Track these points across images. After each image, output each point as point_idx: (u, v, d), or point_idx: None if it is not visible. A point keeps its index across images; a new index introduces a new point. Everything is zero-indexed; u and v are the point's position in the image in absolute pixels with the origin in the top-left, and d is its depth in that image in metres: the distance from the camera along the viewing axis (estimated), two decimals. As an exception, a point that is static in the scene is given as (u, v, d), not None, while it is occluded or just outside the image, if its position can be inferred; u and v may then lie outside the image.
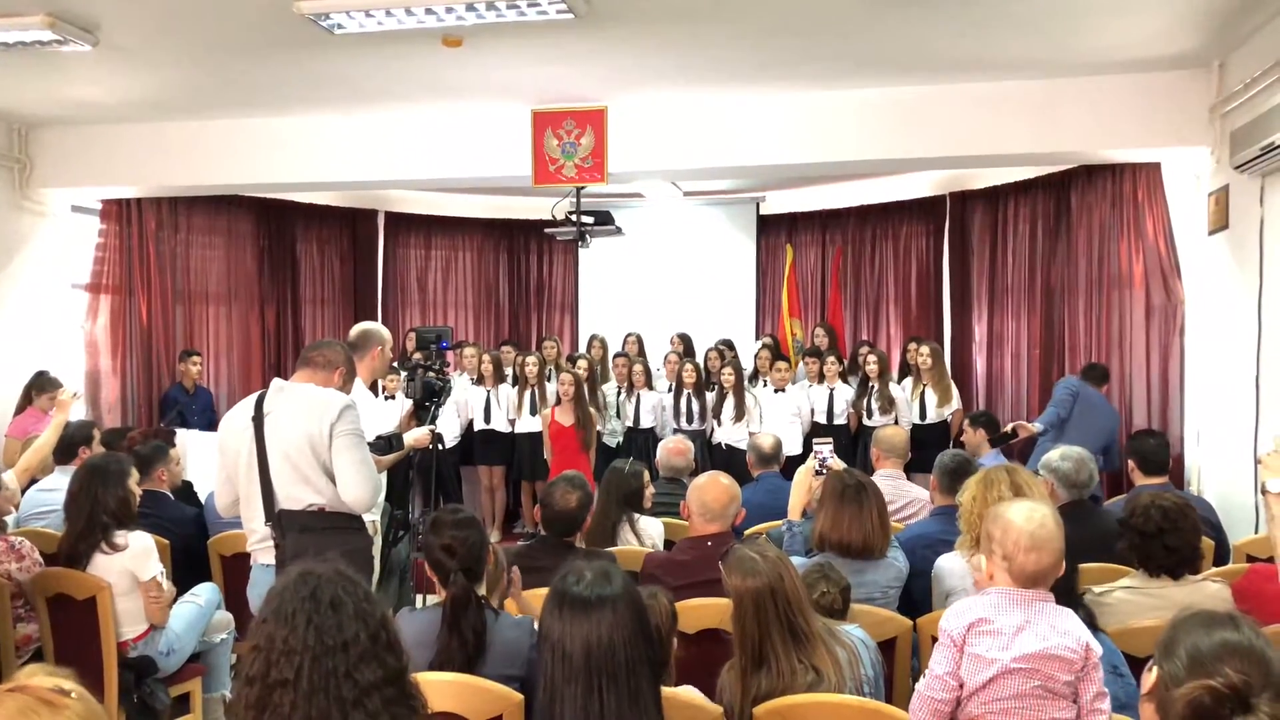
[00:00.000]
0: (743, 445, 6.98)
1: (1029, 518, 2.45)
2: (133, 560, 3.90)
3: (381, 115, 6.83)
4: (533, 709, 2.37)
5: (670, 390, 8.08)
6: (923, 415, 7.51)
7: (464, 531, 2.80)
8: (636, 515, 4.30)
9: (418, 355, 5.33)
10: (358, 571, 1.96)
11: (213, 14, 4.82)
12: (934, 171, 8.78)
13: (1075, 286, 7.45)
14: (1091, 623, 2.72)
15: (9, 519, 4.42)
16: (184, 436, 6.43)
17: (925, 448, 6.43)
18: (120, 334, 8.00)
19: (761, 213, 10.35)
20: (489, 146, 6.79)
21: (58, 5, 4.66)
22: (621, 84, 6.14)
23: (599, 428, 7.60)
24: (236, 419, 3.44)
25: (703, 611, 3.18)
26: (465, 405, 8.10)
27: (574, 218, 7.30)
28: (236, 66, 5.72)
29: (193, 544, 4.71)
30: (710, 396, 7.81)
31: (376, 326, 4.22)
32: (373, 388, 5.95)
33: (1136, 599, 3.14)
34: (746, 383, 7.93)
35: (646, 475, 4.46)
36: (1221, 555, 4.26)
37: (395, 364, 7.78)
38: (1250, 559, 4.02)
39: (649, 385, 8.08)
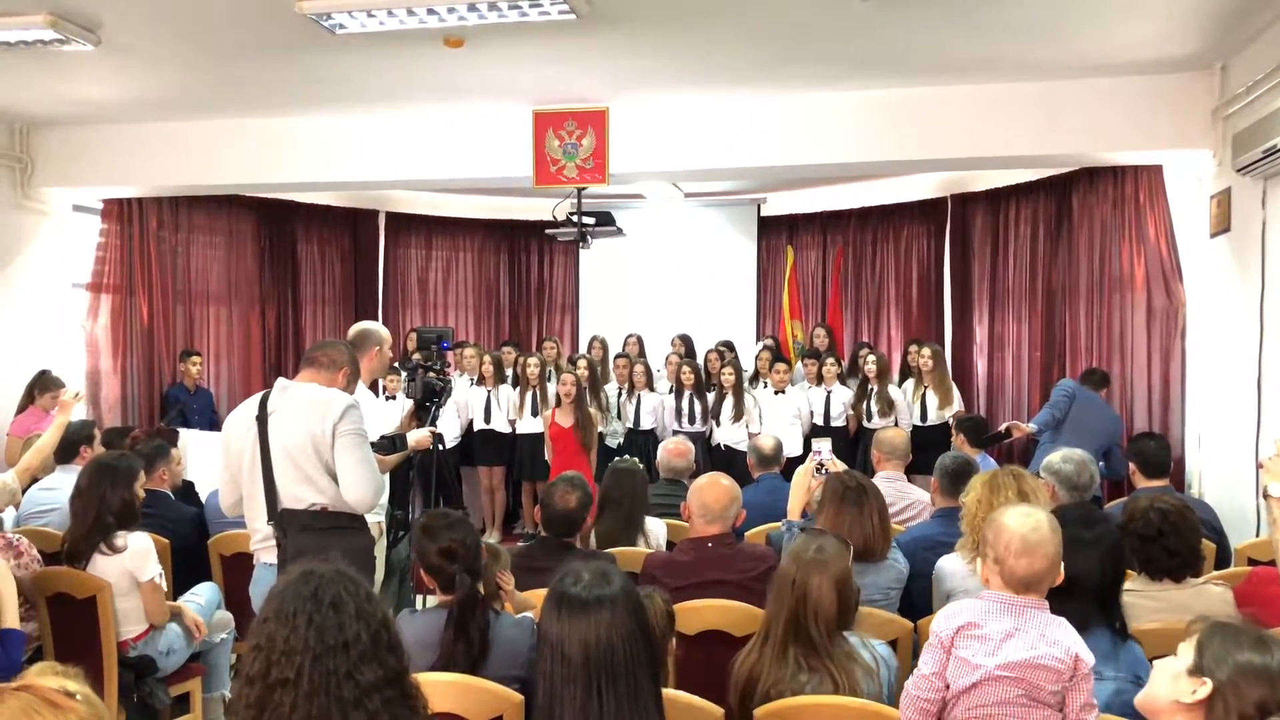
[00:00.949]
0: (743, 446, 6.99)
1: (1022, 522, 2.44)
2: (132, 561, 3.89)
3: (383, 115, 6.84)
4: (532, 709, 2.37)
5: (671, 391, 8.08)
6: (924, 417, 7.51)
7: (459, 533, 2.82)
8: (644, 515, 4.32)
9: (418, 355, 5.31)
10: (359, 571, 1.96)
11: (215, 13, 4.82)
12: (935, 173, 8.77)
13: (1076, 289, 7.45)
14: (1125, 632, 2.69)
15: (9, 517, 4.42)
16: (185, 436, 6.44)
17: (926, 449, 6.42)
18: (121, 333, 8.00)
19: (762, 214, 10.35)
20: (490, 147, 6.79)
21: (59, 4, 4.66)
22: (623, 85, 6.15)
23: (600, 429, 7.60)
24: (240, 418, 3.45)
25: (704, 613, 3.18)
26: (465, 406, 8.10)
27: (575, 218, 7.30)
28: (238, 66, 5.72)
29: (193, 544, 4.71)
30: (710, 397, 7.82)
31: (375, 326, 4.22)
32: (373, 388, 5.96)
33: (1139, 602, 3.13)
34: (746, 384, 7.93)
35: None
36: (1223, 558, 4.25)
37: (396, 364, 7.78)
38: (1252, 562, 4.02)
39: (650, 386, 8.08)
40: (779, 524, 4.12)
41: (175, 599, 4.25)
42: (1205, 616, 1.92)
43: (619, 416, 8.07)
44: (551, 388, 7.89)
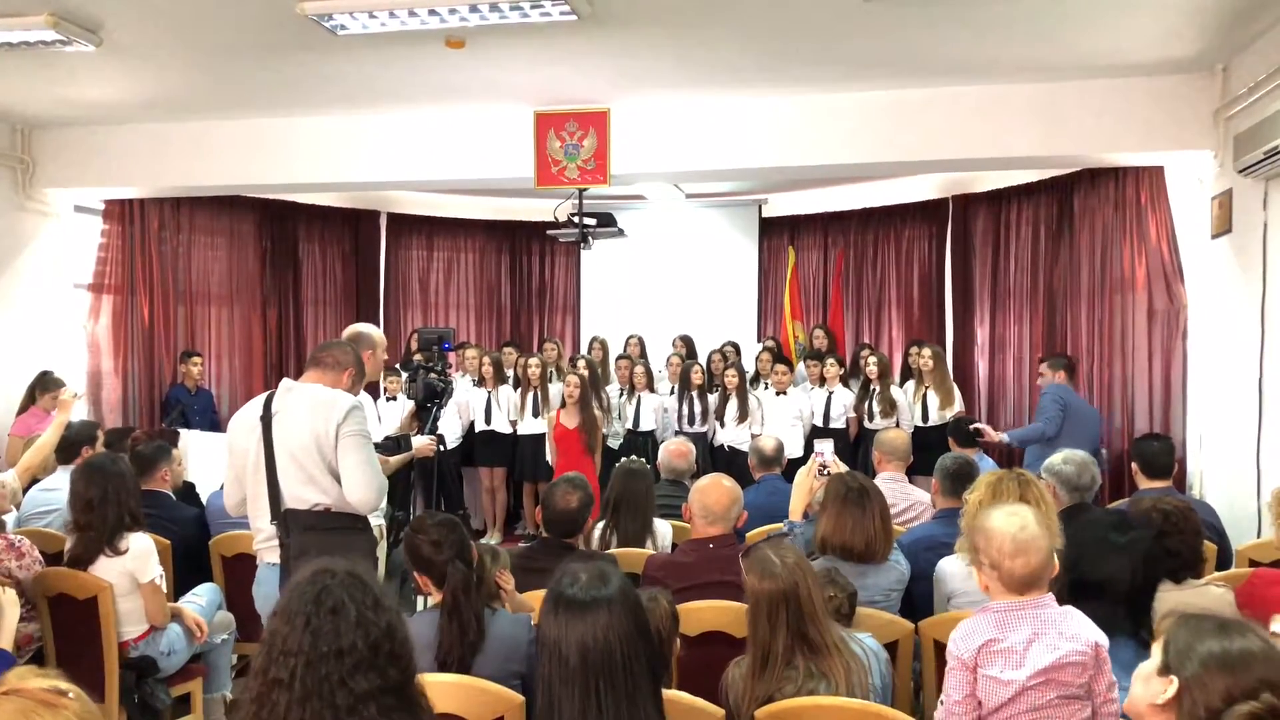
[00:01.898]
0: (744, 447, 6.99)
1: (1009, 522, 2.43)
2: (133, 562, 3.89)
3: (384, 116, 6.84)
4: (532, 710, 2.37)
5: (671, 392, 8.08)
6: (925, 418, 7.51)
7: (445, 527, 2.86)
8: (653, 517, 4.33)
9: (420, 356, 5.32)
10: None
11: (216, 14, 4.83)
12: (937, 174, 8.77)
13: (1078, 290, 7.45)
14: (1148, 644, 2.68)
15: (10, 518, 4.42)
16: (186, 437, 6.45)
17: (927, 450, 6.41)
18: (122, 334, 8.00)
19: (764, 215, 10.35)
20: (491, 148, 6.79)
21: (61, 5, 4.67)
22: (624, 86, 6.15)
23: (603, 430, 7.60)
24: (245, 418, 3.46)
25: (704, 614, 3.18)
26: (467, 406, 8.10)
27: (576, 219, 7.31)
28: (240, 67, 5.73)
29: (194, 544, 4.71)
30: (712, 399, 7.82)
31: (369, 328, 4.21)
32: (372, 390, 5.97)
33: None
34: (749, 385, 7.93)
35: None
36: (1224, 560, 4.25)
37: (397, 365, 7.78)
38: (1253, 563, 4.02)
39: (650, 387, 8.08)
40: (780, 525, 4.12)
41: (176, 600, 4.25)
42: (1175, 612, 1.90)
43: (619, 417, 8.07)
44: (553, 389, 7.89)
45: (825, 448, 4.04)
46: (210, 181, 7.29)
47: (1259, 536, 4.72)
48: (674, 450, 5.26)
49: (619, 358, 8.46)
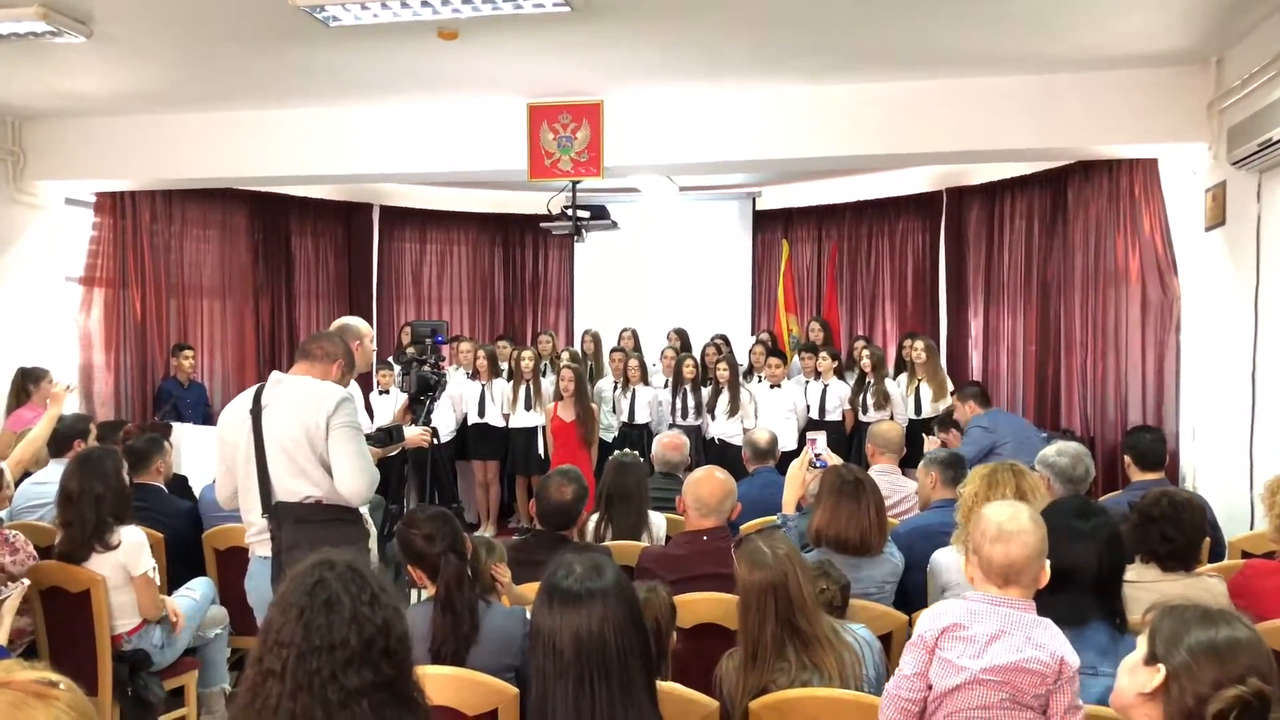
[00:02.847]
0: (738, 440, 7.00)
1: (1000, 510, 2.43)
2: (126, 555, 3.89)
3: (376, 108, 6.82)
4: (526, 702, 2.37)
5: (665, 385, 8.07)
6: (918, 410, 7.52)
7: (438, 520, 2.86)
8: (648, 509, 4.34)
9: (412, 349, 5.31)
10: None
11: (207, 5, 4.81)
12: (930, 167, 8.77)
13: (1071, 282, 7.46)
14: (1124, 626, 2.69)
15: (2, 512, 4.41)
16: (178, 430, 6.43)
17: (921, 443, 6.44)
18: (114, 327, 7.98)
19: (757, 208, 10.33)
20: (484, 140, 6.77)
21: (51, -4, 4.65)
22: (617, 78, 6.14)
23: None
24: (235, 411, 3.46)
25: (698, 606, 3.18)
26: (460, 400, 8.10)
27: (569, 212, 7.29)
28: (231, 58, 5.70)
29: (187, 537, 4.70)
30: (706, 392, 7.82)
31: (354, 320, 4.21)
32: (363, 383, 5.94)
33: (1133, 593, 3.13)
34: (742, 378, 7.93)
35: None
36: (1217, 552, 4.26)
37: (390, 358, 7.77)
38: (1245, 555, 4.03)
39: (644, 380, 8.08)
40: (774, 517, 4.12)
41: (170, 593, 4.24)
42: (1158, 604, 1.91)
43: (614, 410, 8.08)
44: (545, 382, 7.88)
45: (818, 438, 4.04)
46: (202, 174, 7.26)
47: (1251, 529, 4.73)
48: (667, 443, 5.27)
49: (613, 351, 8.45)
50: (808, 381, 7.99)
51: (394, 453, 4.12)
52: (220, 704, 4.42)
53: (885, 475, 4.74)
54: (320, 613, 1.76)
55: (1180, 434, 6.06)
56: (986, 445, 5.63)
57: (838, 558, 3.37)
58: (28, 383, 6.46)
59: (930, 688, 2.36)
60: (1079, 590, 2.62)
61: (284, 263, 9.65)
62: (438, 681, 2.46)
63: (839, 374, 7.93)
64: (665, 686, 2.44)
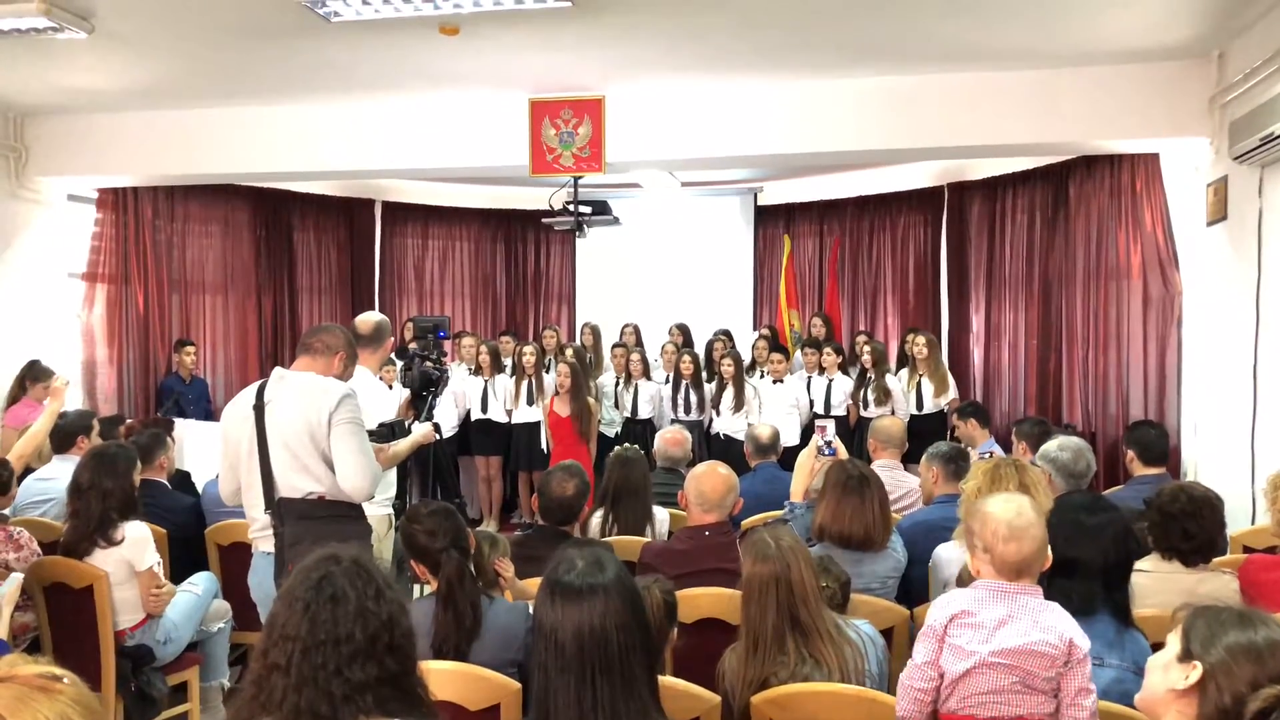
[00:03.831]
0: (741, 436, 6.98)
1: (1005, 507, 2.45)
2: (130, 550, 3.90)
3: (378, 104, 6.81)
4: (529, 697, 2.37)
5: (667, 381, 8.07)
6: (920, 405, 7.51)
7: (440, 515, 2.87)
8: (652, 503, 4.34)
9: (414, 345, 5.31)
10: None
11: (210, 1, 4.80)
12: (932, 162, 8.77)
13: (1073, 277, 7.45)
14: (1127, 621, 2.70)
15: (6, 509, 4.41)
16: (181, 426, 6.43)
17: (923, 438, 6.42)
18: (117, 323, 7.98)
19: (759, 203, 10.33)
20: (486, 136, 6.76)
21: (53, -8, 4.64)
22: (619, 73, 6.13)
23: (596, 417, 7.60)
24: (238, 407, 3.45)
25: (700, 600, 3.18)
26: (463, 395, 8.10)
27: (571, 208, 7.29)
28: (233, 54, 5.70)
29: (190, 533, 4.71)
30: (710, 387, 7.81)
31: (385, 318, 4.26)
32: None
33: (1147, 583, 3.14)
34: (745, 373, 7.93)
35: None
36: (1220, 546, 4.26)
37: (393, 354, 7.77)
38: (1247, 549, 4.03)
39: (646, 375, 8.07)
40: (777, 512, 4.12)
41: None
42: (1189, 604, 1.92)
43: (616, 406, 8.07)
44: (548, 377, 7.88)
45: (828, 426, 4.03)
46: (204, 170, 7.26)
47: (1253, 523, 4.73)
48: (670, 438, 5.27)
49: (615, 346, 8.45)
50: (811, 377, 7.99)
51: (406, 454, 4.09)
52: (217, 699, 4.42)
53: (887, 470, 4.73)
54: (326, 607, 1.76)
55: (1182, 429, 6.05)
56: None
57: (841, 553, 3.37)
58: (29, 379, 6.45)
59: (942, 676, 2.39)
60: (1087, 582, 2.63)
61: (286, 258, 9.66)
62: (440, 677, 2.46)
63: (843, 369, 7.93)
64: (667, 681, 2.44)
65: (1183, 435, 6.04)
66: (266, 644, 1.78)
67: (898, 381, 7.65)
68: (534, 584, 3.06)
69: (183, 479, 5.47)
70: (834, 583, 3.03)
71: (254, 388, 3.45)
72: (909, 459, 5.46)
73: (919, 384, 7.57)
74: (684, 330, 8.89)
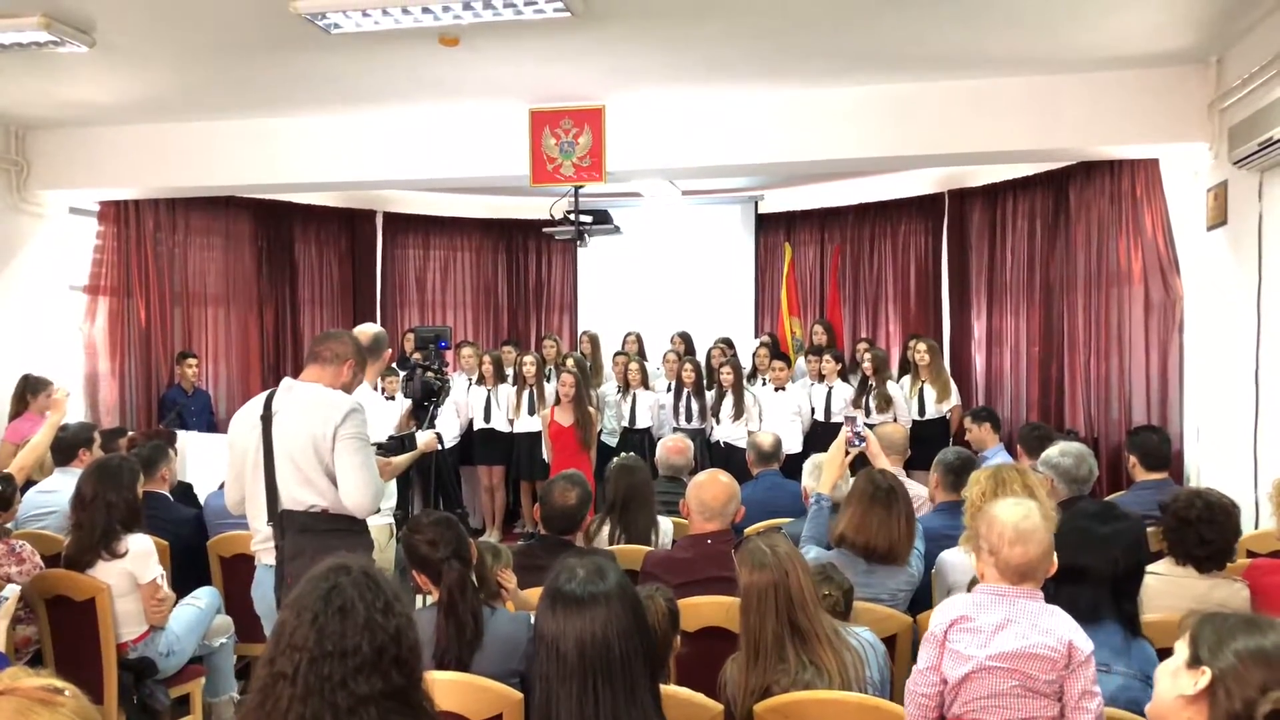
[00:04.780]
0: (742, 443, 6.98)
1: (1013, 511, 2.46)
2: (133, 562, 3.90)
3: (378, 115, 6.83)
4: (530, 707, 2.37)
5: (669, 389, 8.07)
6: (921, 411, 7.51)
7: (442, 525, 2.86)
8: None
9: (416, 356, 5.31)
10: None
11: (210, 14, 4.81)
12: (932, 169, 8.77)
13: (1074, 283, 7.45)
14: (1135, 629, 2.69)
15: (9, 523, 4.41)
16: (183, 438, 6.43)
17: (925, 444, 6.43)
18: (119, 336, 7.99)
19: (760, 211, 10.33)
20: (486, 146, 6.78)
21: (54, 6, 4.66)
22: (619, 83, 6.14)
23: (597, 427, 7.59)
24: (246, 417, 3.44)
25: (703, 609, 3.18)
26: (465, 405, 8.10)
27: (572, 217, 7.30)
28: (234, 66, 5.71)
29: (192, 545, 4.70)
30: (710, 395, 7.81)
31: (383, 330, 4.24)
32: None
33: (1159, 586, 3.14)
34: (745, 381, 7.92)
35: None
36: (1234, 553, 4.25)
37: (394, 364, 7.77)
38: (1251, 554, 4.02)
39: (646, 384, 8.07)
40: (780, 520, 4.12)
41: (175, 602, 4.24)
42: (1195, 610, 1.92)
43: (616, 414, 8.07)
44: (550, 386, 7.88)
45: (856, 417, 3.99)
46: (205, 182, 7.27)
47: (1256, 528, 4.72)
48: (672, 447, 5.26)
49: (616, 354, 8.45)
50: (812, 384, 7.98)
51: (408, 465, 4.10)
52: (229, 712, 4.42)
53: (890, 477, 4.72)
54: (334, 619, 1.77)
55: (1184, 434, 6.04)
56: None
57: (857, 564, 3.36)
58: (29, 392, 6.45)
59: (945, 681, 2.40)
60: (1095, 589, 2.63)
61: (288, 270, 9.67)
62: (442, 687, 2.45)
63: (843, 376, 7.93)
64: (669, 690, 2.44)
65: (1185, 440, 6.02)
66: (273, 652, 1.78)
67: (899, 388, 7.65)
68: (536, 594, 3.06)
69: (185, 491, 5.47)
70: (836, 590, 3.03)
71: (262, 397, 3.44)
72: (912, 465, 5.45)
73: (921, 390, 7.57)
74: (685, 338, 8.89)
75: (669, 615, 2.77)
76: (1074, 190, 7.49)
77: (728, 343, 8.71)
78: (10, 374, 6.76)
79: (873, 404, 7.53)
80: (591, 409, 7.41)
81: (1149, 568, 3.21)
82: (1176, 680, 1.84)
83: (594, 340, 8.86)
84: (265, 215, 9.38)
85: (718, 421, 7.71)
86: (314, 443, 3.26)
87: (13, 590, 3.69)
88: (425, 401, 4.92)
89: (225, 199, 8.76)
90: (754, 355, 8.36)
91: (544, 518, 3.80)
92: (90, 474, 4.00)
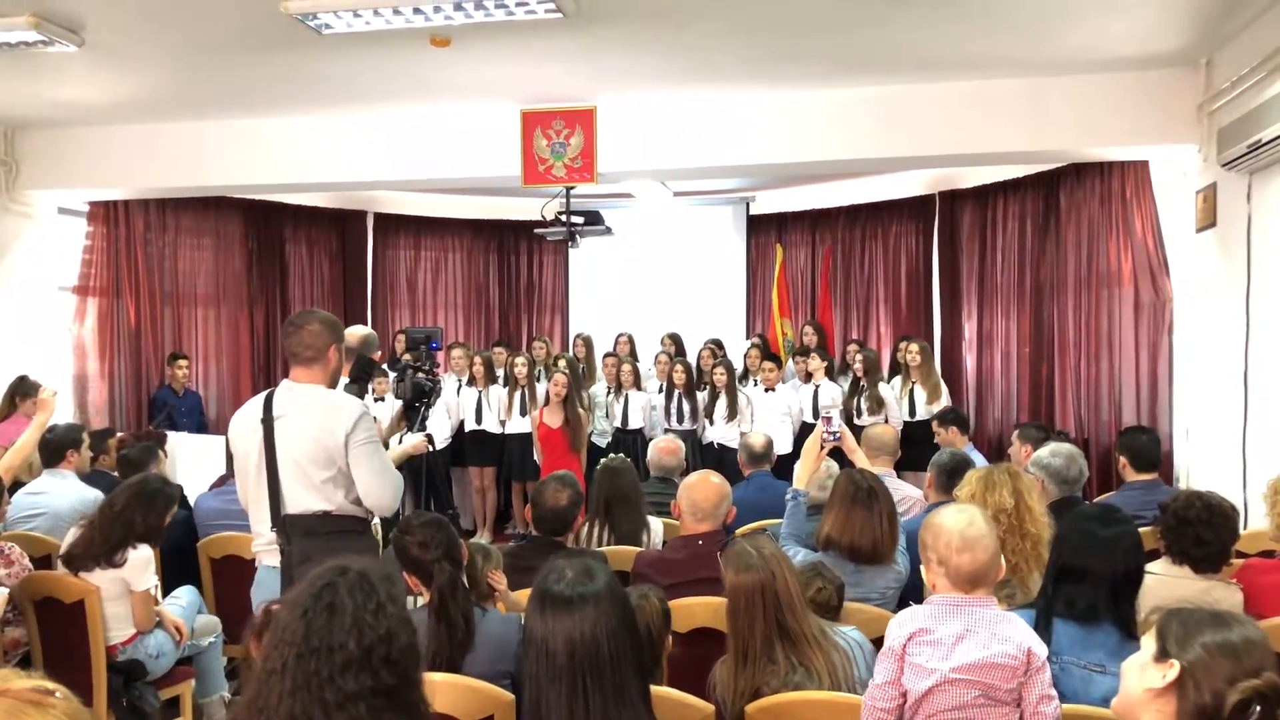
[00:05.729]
0: (734, 444, 7.00)
1: (958, 519, 2.47)
2: (129, 570, 3.89)
3: (369, 115, 6.82)
4: (521, 708, 2.37)
5: (660, 390, 8.08)
6: (912, 413, 7.52)
7: (433, 527, 2.86)
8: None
9: (407, 357, 5.30)
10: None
11: (200, 13, 4.80)
12: (923, 170, 8.80)
13: (1064, 284, 7.48)
14: (1131, 631, 2.70)
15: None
16: (173, 439, 6.41)
17: (915, 445, 6.45)
18: (108, 336, 7.97)
19: (751, 212, 10.35)
20: (478, 147, 6.78)
21: (43, 5, 4.64)
22: (610, 84, 6.14)
23: (587, 428, 7.59)
24: (246, 419, 3.38)
25: (694, 610, 3.18)
26: (457, 406, 8.10)
27: (563, 218, 7.30)
28: (224, 66, 5.70)
29: (182, 547, 4.69)
30: (702, 396, 7.82)
31: (372, 331, 4.22)
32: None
33: (1154, 587, 3.14)
34: (737, 382, 7.93)
35: None
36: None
37: (385, 365, 7.76)
38: (1239, 554, 4.03)
39: (638, 385, 8.08)
40: (771, 520, 4.13)
41: (159, 602, 4.23)
42: (1159, 607, 1.94)
43: (607, 415, 8.08)
44: (540, 387, 7.89)
45: (834, 415, 4.00)
46: (195, 182, 7.26)
47: (1245, 528, 4.74)
48: (663, 448, 5.27)
49: (606, 355, 8.45)
50: (801, 385, 8.00)
51: (397, 464, 4.09)
52: (220, 711, 4.41)
53: (882, 479, 4.73)
54: (322, 615, 1.78)
55: (1174, 434, 6.07)
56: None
57: (847, 565, 3.37)
58: (18, 394, 6.41)
59: (905, 695, 2.39)
60: (1094, 590, 2.65)
61: (278, 271, 9.65)
62: (433, 688, 2.45)
63: (829, 375, 7.94)
64: (660, 691, 2.44)
65: (1175, 440, 6.05)
66: (270, 648, 1.81)
67: (890, 389, 7.67)
68: (528, 595, 3.06)
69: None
70: (828, 586, 3.03)
71: (260, 400, 3.38)
72: (902, 466, 5.46)
73: (911, 391, 7.58)
74: (676, 339, 8.90)
75: (662, 615, 2.77)
76: (1064, 192, 7.52)
77: (718, 344, 8.73)
78: (1, 376, 6.73)
79: (864, 405, 7.55)
80: (582, 410, 7.41)
81: (1147, 568, 3.23)
82: (1144, 674, 1.86)
83: (588, 343, 8.86)
84: (256, 216, 9.36)
85: (711, 422, 7.72)
86: (323, 448, 3.22)
87: (1, 593, 3.67)
88: (416, 403, 4.90)
89: (215, 199, 8.74)
90: (745, 356, 8.38)
91: (535, 519, 3.80)
92: (129, 488, 3.99)
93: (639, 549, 4.02)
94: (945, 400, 7.59)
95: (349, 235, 10.29)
